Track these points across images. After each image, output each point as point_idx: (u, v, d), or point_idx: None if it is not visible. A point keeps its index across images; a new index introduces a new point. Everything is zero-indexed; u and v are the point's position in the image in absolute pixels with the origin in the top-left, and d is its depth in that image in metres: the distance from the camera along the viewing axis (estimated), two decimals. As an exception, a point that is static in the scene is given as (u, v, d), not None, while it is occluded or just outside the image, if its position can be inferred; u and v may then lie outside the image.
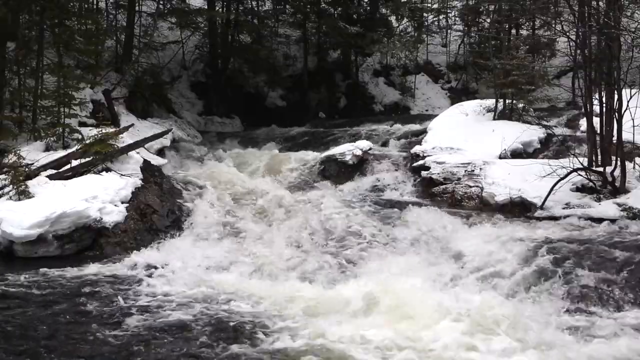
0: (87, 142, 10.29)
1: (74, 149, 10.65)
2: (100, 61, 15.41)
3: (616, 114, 9.87)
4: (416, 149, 12.48)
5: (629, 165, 9.90)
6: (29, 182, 9.26)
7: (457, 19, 25.23)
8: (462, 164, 11.30)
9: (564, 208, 9.48)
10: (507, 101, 13.72)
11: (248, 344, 5.78)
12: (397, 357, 5.55)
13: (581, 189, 9.82)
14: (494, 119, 13.70)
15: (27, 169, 9.65)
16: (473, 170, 11.05)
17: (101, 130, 10.40)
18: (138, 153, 11.17)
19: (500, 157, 11.64)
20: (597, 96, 10.32)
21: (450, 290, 7.13)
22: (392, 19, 23.82)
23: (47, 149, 11.05)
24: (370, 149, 12.93)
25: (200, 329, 6.10)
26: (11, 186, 9.14)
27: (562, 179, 9.63)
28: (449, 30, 25.12)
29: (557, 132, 12.86)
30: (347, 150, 12.77)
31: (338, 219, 9.70)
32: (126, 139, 11.65)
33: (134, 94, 16.37)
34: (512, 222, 9.25)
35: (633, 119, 9.72)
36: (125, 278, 7.55)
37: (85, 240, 8.68)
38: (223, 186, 11.20)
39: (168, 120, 16.62)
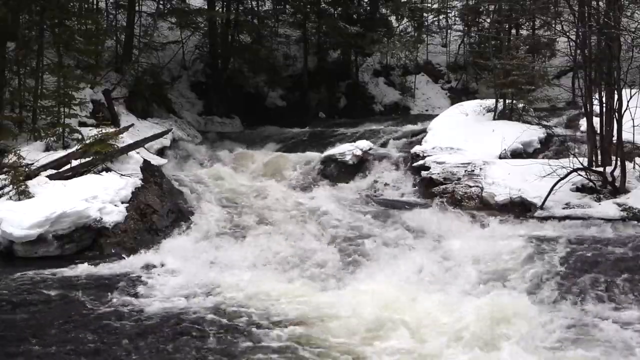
0: (87, 142, 10.29)
1: (74, 149, 10.64)
2: (100, 61, 15.40)
3: (616, 114, 9.87)
4: (416, 149, 12.48)
5: (629, 165, 9.91)
6: (29, 182, 9.25)
7: (457, 19, 25.22)
8: (462, 164, 11.30)
9: (564, 208, 9.48)
10: (507, 101, 13.72)
11: (248, 343, 5.78)
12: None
13: (581, 189, 9.83)
14: (494, 119, 13.70)
15: (27, 169, 9.65)
16: (473, 170, 11.05)
17: (101, 130, 10.40)
18: (138, 153, 11.16)
19: (500, 157, 11.64)
20: (597, 96, 10.33)
21: (449, 290, 7.13)
22: (392, 19, 23.81)
23: (47, 149, 11.04)
24: (370, 149, 12.93)
25: (201, 329, 6.10)
26: (11, 186, 9.14)
27: (562, 179, 9.63)
28: (449, 30, 25.11)
29: (557, 132, 12.86)
30: (347, 150, 12.77)
31: (338, 219, 9.71)
32: (126, 139, 11.64)
33: (134, 94, 16.36)
34: (512, 222, 9.26)
35: (633, 119, 9.73)
36: (125, 278, 7.54)
37: (85, 240, 8.68)
38: (223, 186, 11.20)
39: (168, 120, 16.61)
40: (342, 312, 6.46)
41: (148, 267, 8.00)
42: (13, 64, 12.22)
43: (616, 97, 9.85)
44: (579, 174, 9.77)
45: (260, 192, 10.97)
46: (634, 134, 10.05)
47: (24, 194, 9.03)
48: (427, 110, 21.39)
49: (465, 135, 12.74)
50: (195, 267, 7.96)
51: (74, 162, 10.14)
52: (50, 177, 9.71)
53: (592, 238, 8.21)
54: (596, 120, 10.37)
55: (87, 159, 10.14)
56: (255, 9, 23.31)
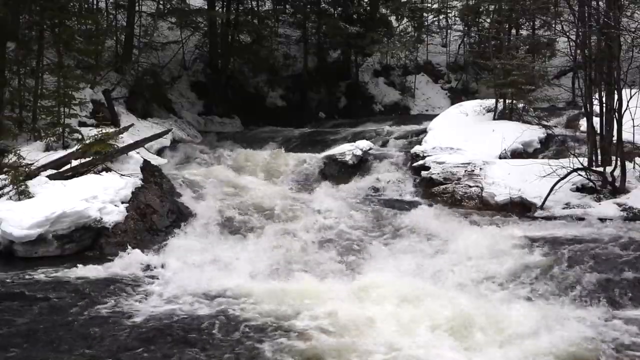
0: (87, 142, 10.28)
1: (74, 149, 10.64)
2: (100, 61, 15.42)
3: (616, 114, 9.87)
4: (416, 149, 12.49)
5: (629, 165, 9.91)
6: (29, 182, 9.25)
7: (457, 19, 25.24)
8: (462, 164, 11.30)
9: (564, 208, 9.48)
10: (507, 101, 13.72)
11: (249, 344, 5.77)
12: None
13: (581, 189, 9.83)
14: (494, 119, 13.70)
15: (27, 169, 9.64)
16: (473, 170, 11.05)
17: (101, 130, 10.39)
18: (138, 153, 11.16)
19: (500, 157, 11.65)
20: (597, 96, 10.33)
21: (448, 290, 7.11)
22: (392, 19, 23.84)
23: (47, 149, 11.05)
24: (370, 149, 12.93)
25: (201, 329, 6.09)
26: (11, 186, 9.14)
27: (562, 179, 9.63)
28: (449, 30, 25.15)
29: (557, 132, 12.86)
30: (347, 150, 12.77)
31: (338, 219, 9.70)
32: (126, 139, 11.65)
33: (134, 94, 16.38)
34: (512, 222, 9.26)
35: (633, 119, 9.73)
36: (124, 278, 7.53)
37: (85, 240, 8.67)
38: (223, 186, 11.19)
39: (168, 120, 16.63)
40: (353, 322, 6.20)
41: (148, 267, 7.98)
42: (13, 64, 12.23)
43: (616, 97, 9.86)
44: (579, 174, 9.78)
45: (260, 192, 10.95)
46: (634, 134, 10.05)
47: (24, 194, 9.03)
48: (427, 110, 21.40)
49: (465, 135, 12.74)
50: (196, 268, 7.93)
51: (74, 162, 10.14)
52: (50, 177, 9.71)
53: (592, 238, 8.20)
54: (596, 120, 10.37)
55: (87, 159, 10.14)
56: (255, 9, 23.32)
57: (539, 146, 12.44)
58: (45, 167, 10.01)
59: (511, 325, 6.06)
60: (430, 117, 15.58)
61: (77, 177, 9.85)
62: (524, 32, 21.25)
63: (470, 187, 10.72)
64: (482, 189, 10.52)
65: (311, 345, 5.73)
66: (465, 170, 11.11)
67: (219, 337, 5.90)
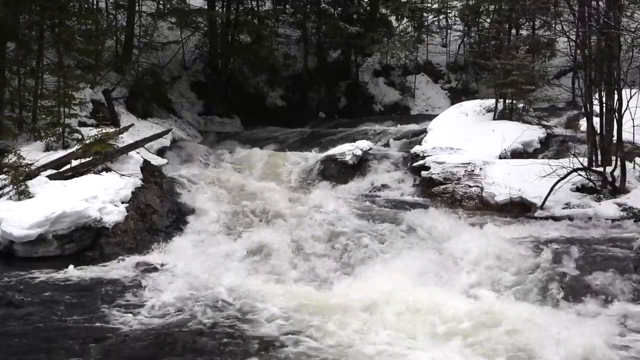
0: (87, 142, 10.29)
1: (74, 149, 10.64)
2: (100, 61, 15.41)
3: (616, 114, 9.88)
4: (416, 149, 12.49)
5: (629, 165, 9.91)
6: (29, 182, 9.25)
7: (457, 19, 25.26)
8: (462, 164, 11.31)
9: (564, 208, 9.48)
10: (507, 101, 13.73)
11: (250, 345, 5.77)
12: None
13: (581, 189, 9.83)
14: (494, 119, 13.70)
15: (27, 169, 9.64)
16: (473, 170, 11.06)
17: (101, 130, 10.39)
18: (138, 153, 11.17)
19: (500, 157, 11.65)
20: (597, 96, 10.33)
21: (448, 291, 7.11)
22: (392, 19, 23.86)
23: (47, 149, 11.05)
24: (370, 149, 12.93)
25: (201, 330, 6.09)
26: (11, 186, 9.14)
27: (562, 179, 9.63)
28: (449, 30, 25.16)
29: (557, 132, 12.86)
30: (347, 150, 12.76)
31: (338, 219, 9.69)
32: (126, 139, 11.65)
33: (134, 94, 16.38)
34: (512, 222, 9.26)
35: (633, 119, 9.73)
36: (125, 278, 7.53)
37: (85, 240, 8.67)
38: (223, 186, 11.19)
39: (168, 120, 16.63)
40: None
41: (148, 267, 7.98)
42: (13, 64, 12.23)
43: (616, 97, 9.86)
44: (579, 174, 9.78)
45: (260, 192, 10.94)
46: (634, 134, 10.05)
47: (24, 194, 9.03)
48: (427, 110, 21.41)
49: (465, 135, 12.74)
50: (196, 268, 7.91)
51: (74, 162, 10.14)
52: (50, 177, 9.71)
53: (592, 238, 8.20)
54: (596, 120, 10.37)
55: (87, 159, 10.14)
56: (255, 9, 23.34)
57: (539, 146, 12.44)
58: (45, 167, 10.01)
59: (507, 327, 6.04)
60: (430, 117, 15.58)
61: (77, 177, 9.85)
62: (524, 32, 21.25)
63: (470, 187, 10.72)
64: (482, 189, 10.52)
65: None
66: (465, 170, 11.11)
67: (218, 345, 5.82)
